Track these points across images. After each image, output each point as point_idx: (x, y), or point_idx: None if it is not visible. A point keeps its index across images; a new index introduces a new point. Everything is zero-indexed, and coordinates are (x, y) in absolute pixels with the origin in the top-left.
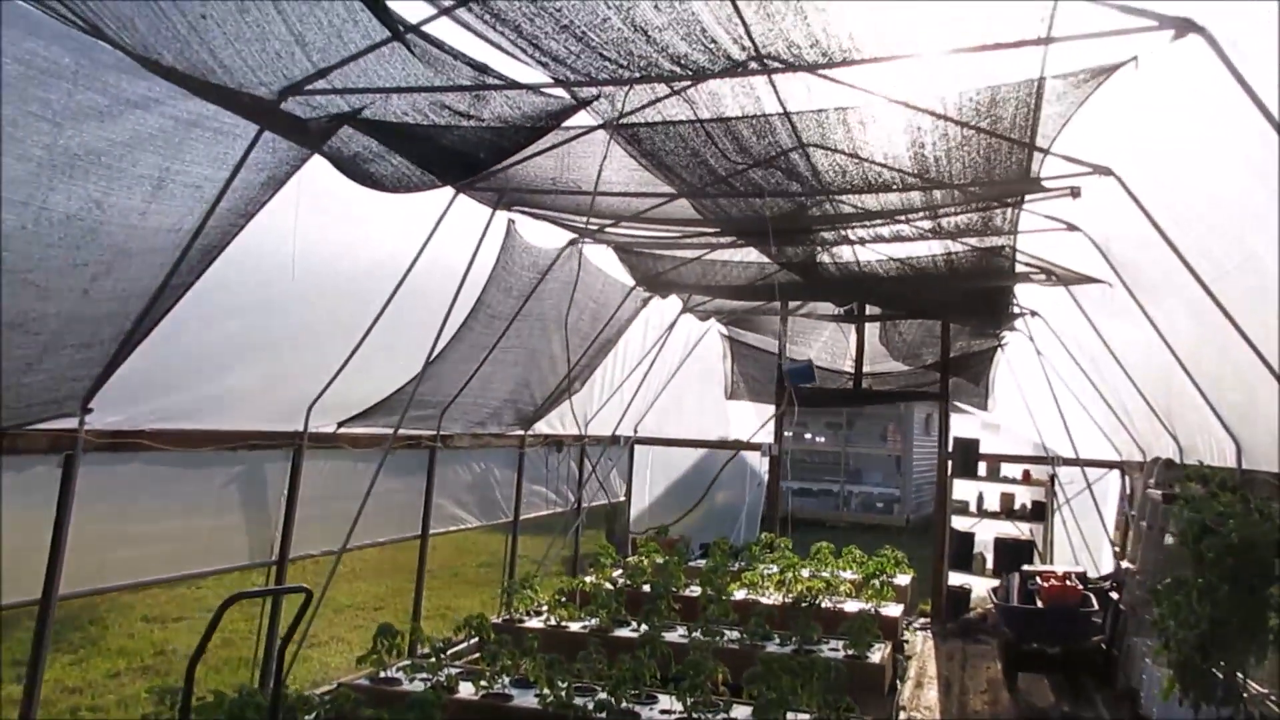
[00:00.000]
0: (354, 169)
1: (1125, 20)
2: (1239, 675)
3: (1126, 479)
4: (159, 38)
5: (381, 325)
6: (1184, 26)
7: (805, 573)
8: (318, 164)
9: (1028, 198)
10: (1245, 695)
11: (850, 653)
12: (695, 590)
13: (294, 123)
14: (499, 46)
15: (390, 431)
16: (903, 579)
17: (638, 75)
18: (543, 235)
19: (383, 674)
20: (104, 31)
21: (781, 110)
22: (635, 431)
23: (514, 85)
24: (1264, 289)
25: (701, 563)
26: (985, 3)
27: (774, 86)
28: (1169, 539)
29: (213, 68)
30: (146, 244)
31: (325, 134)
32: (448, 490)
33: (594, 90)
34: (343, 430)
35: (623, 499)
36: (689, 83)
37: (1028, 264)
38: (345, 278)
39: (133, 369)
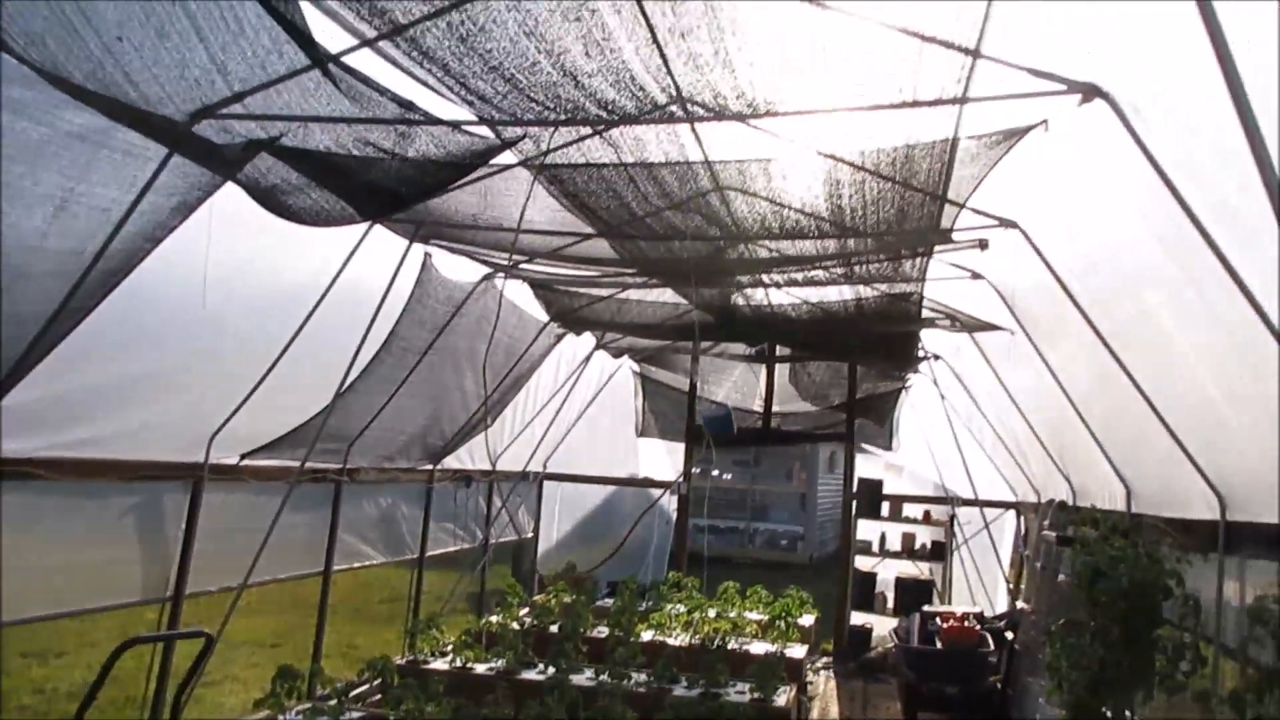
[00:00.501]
0: (271, 200)
1: (1036, 84)
2: (1128, 715)
3: (1022, 520)
4: (70, 57)
5: (291, 355)
6: (1090, 91)
7: (712, 613)
8: (233, 190)
9: (938, 248)
10: None
11: (756, 696)
12: (603, 631)
13: (207, 147)
14: (425, 83)
15: (296, 464)
16: (807, 619)
17: (564, 117)
18: (458, 268)
19: (281, 717)
20: (10, 46)
21: (704, 158)
22: (545, 467)
23: (439, 122)
24: (1156, 343)
25: (609, 602)
26: (906, 62)
27: (697, 134)
28: (1062, 579)
29: (126, 90)
30: (47, 266)
31: (239, 161)
32: (353, 525)
33: (519, 131)
34: (246, 463)
35: (530, 536)
36: (614, 126)
37: (934, 310)
38: (256, 305)
39: (30, 397)
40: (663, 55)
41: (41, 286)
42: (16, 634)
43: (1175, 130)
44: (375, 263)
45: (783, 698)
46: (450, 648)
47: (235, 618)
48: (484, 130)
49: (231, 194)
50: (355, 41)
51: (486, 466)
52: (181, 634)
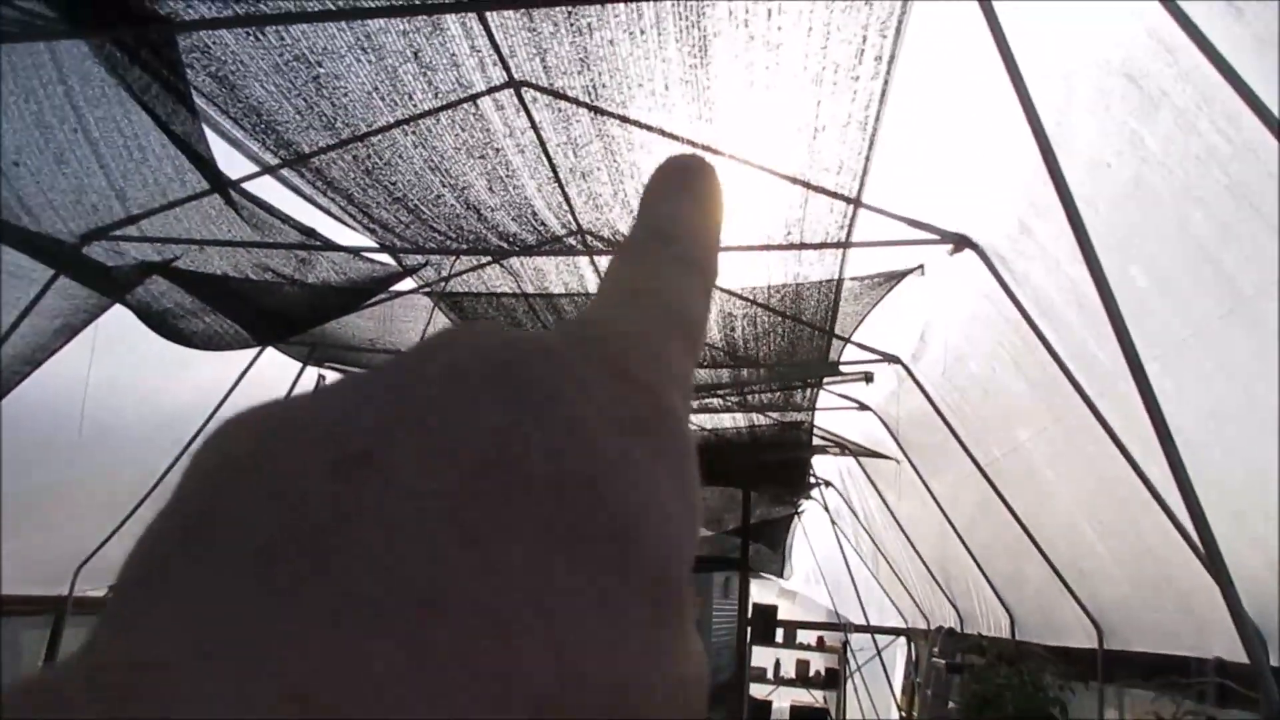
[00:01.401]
0: (162, 324)
1: (912, 233)
2: None
3: (912, 646)
4: None
5: (169, 483)
6: (960, 242)
7: None
8: (121, 310)
9: (826, 380)
10: None
11: None
12: None
13: (96, 269)
14: (328, 211)
15: None
16: None
17: (465, 247)
18: None
19: None
20: None
21: None
22: None
23: (340, 248)
24: (1030, 476)
25: None
26: (795, 208)
27: (596, 267)
28: (951, 706)
29: (18, 214)
30: None
31: (130, 284)
32: None
33: (420, 259)
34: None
35: None
36: (516, 256)
37: (824, 438)
38: (135, 428)
39: None
40: (564, 193)
41: None
42: None
43: (1037, 280)
44: (266, 385)
45: None
46: None
47: None
48: (385, 257)
49: (117, 314)
50: (257, 169)
51: None
52: None
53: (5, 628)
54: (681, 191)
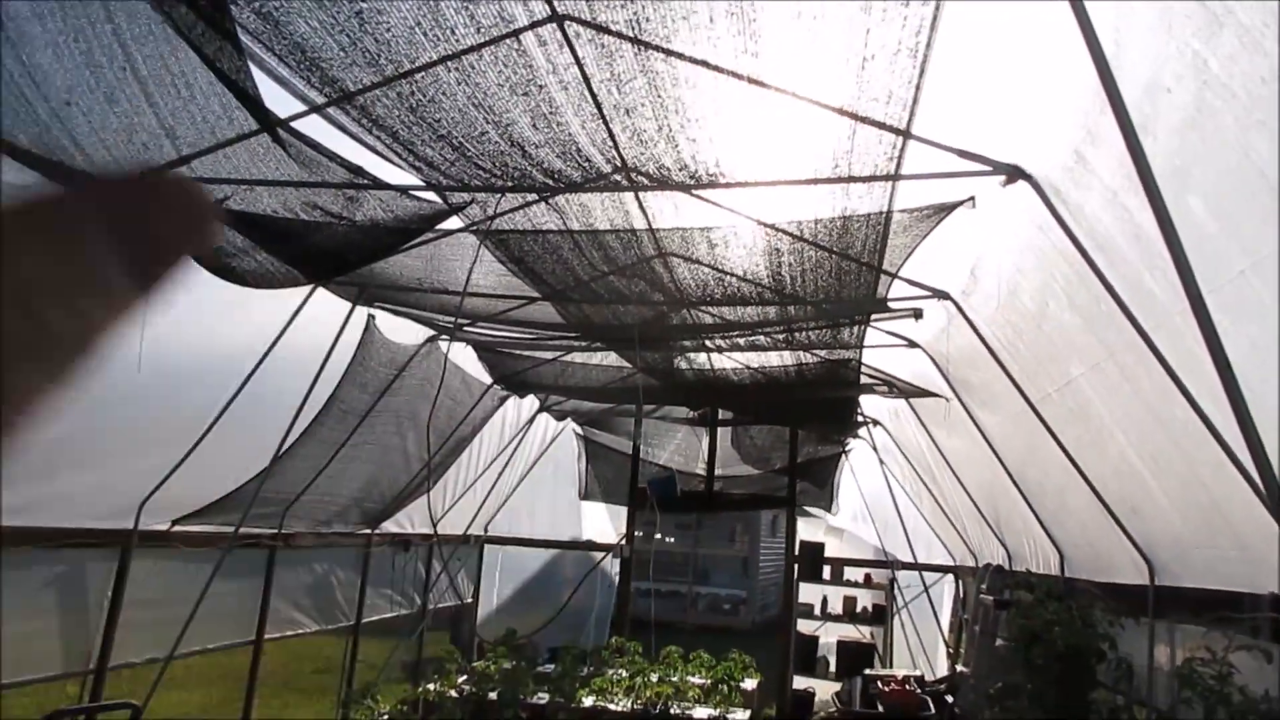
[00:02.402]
0: (214, 263)
1: (963, 164)
2: None
3: (960, 583)
4: (16, 121)
5: (228, 419)
6: (1013, 173)
7: (654, 678)
8: None
9: (874, 316)
10: None
11: None
12: (544, 697)
13: None
14: (374, 149)
15: (229, 530)
16: (749, 683)
17: (510, 184)
18: (402, 331)
19: None
20: None
21: (648, 225)
22: (486, 531)
23: (387, 187)
24: (1081, 412)
25: (550, 668)
26: (843, 140)
27: (641, 203)
28: (1000, 643)
29: (72, 154)
30: None
31: None
32: (286, 593)
33: (466, 196)
34: (178, 529)
35: (470, 601)
36: (561, 193)
37: (872, 376)
38: (191, 369)
39: None
40: (609, 129)
41: None
42: None
43: (1092, 211)
44: (317, 326)
45: None
46: (386, 718)
47: (161, 691)
48: (431, 195)
49: None
50: (305, 107)
51: (426, 530)
52: (107, 705)
53: (75, 561)
54: None
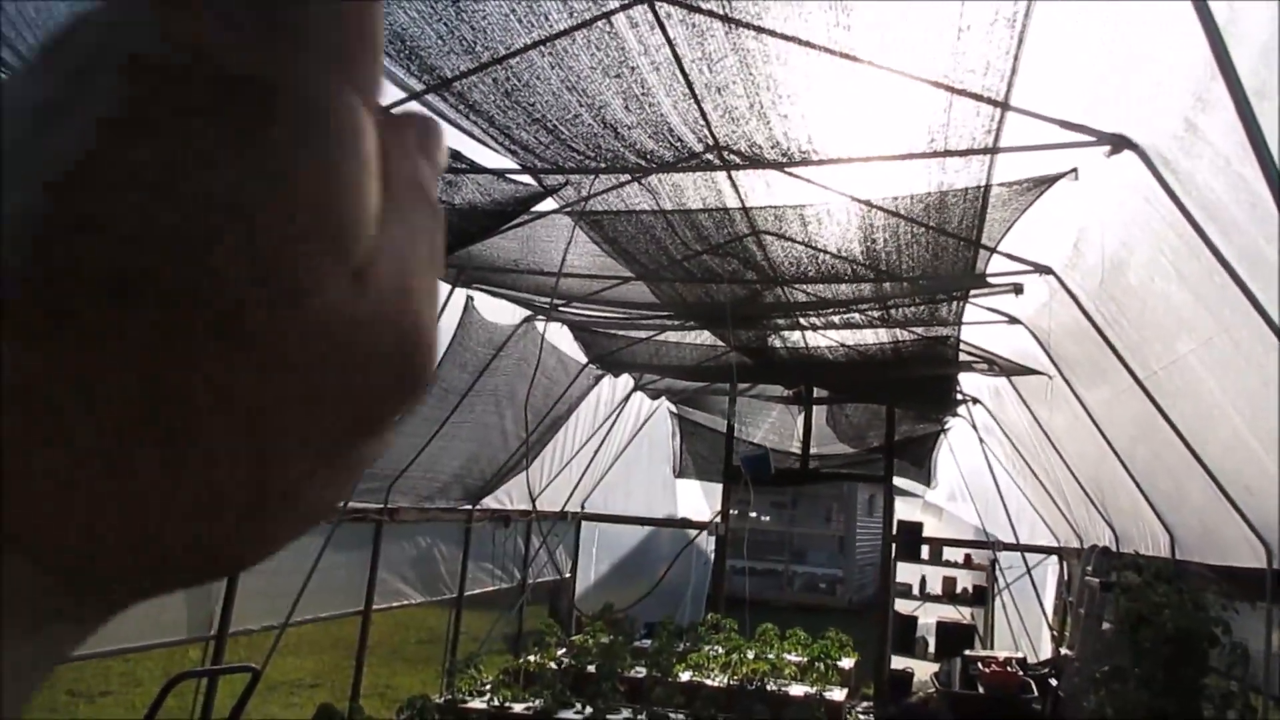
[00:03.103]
0: None
1: (1065, 135)
2: None
3: (1064, 565)
4: None
5: None
6: (1119, 143)
7: (750, 654)
8: None
9: (973, 292)
10: None
11: None
12: (641, 671)
13: None
14: (470, 134)
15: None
16: (846, 662)
17: (604, 166)
18: (499, 311)
19: None
20: None
21: (741, 204)
22: (583, 507)
23: (484, 170)
24: (1193, 389)
25: (647, 643)
26: (939, 113)
27: (734, 182)
28: (1106, 626)
29: None
30: None
31: None
32: (392, 565)
33: (561, 178)
34: None
35: (568, 576)
36: (653, 173)
37: (971, 354)
38: None
39: None
40: (700, 108)
41: None
42: (63, 673)
43: (1204, 180)
44: None
45: None
46: (488, 687)
47: (277, 657)
48: (527, 178)
49: None
50: (404, 95)
51: (525, 506)
52: (229, 669)
53: None
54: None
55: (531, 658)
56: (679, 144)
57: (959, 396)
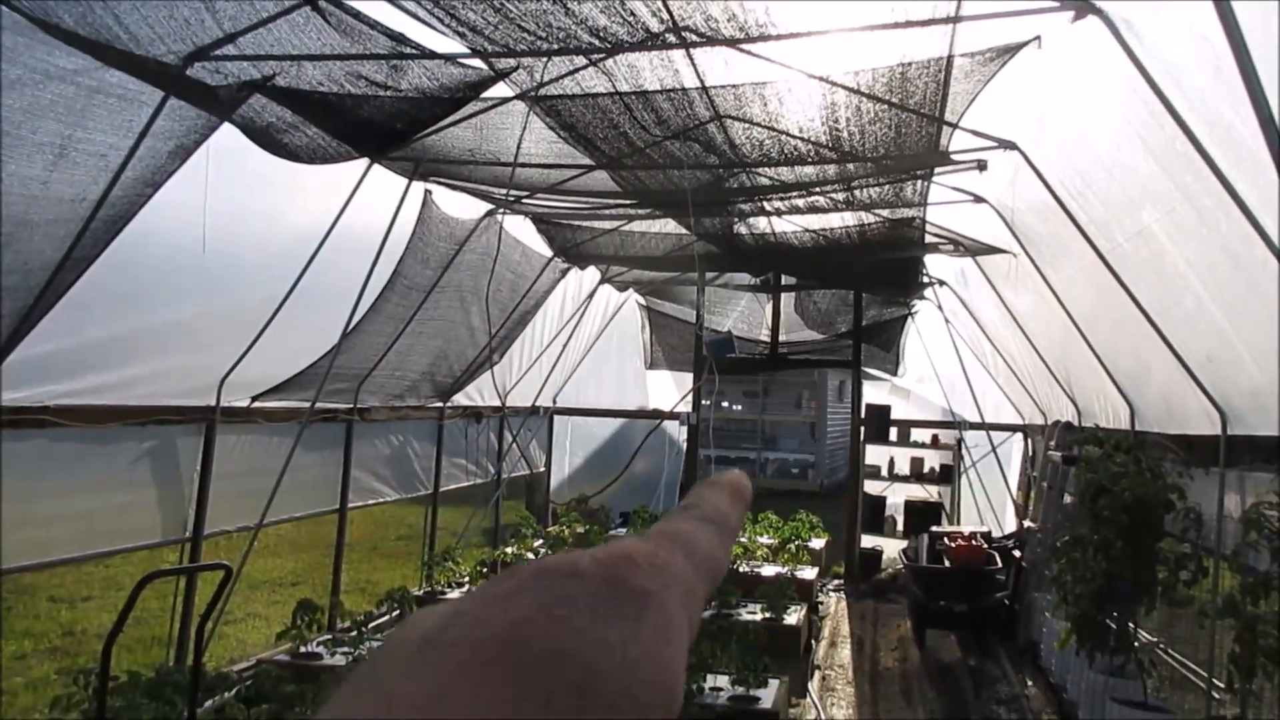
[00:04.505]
0: (267, 139)
1: (1028, 2)
2: (1131, 625)
3: (1028, 441)
4: (60, 1)
5: (297, 298)
6: (1083, 8)
7: None
8: (230, 134)
9: (937, 170)
10: (1136, 644)
11: (768, 615)
12: None
13: (201, 90)
14: (415, 15)
15: (306, 405)
16: (817, 543)
17: (556, 47)
18: (460, 206)
19: (303, 649)
20: None
21: (700, 84)
22: (554, 402)
23: (431, 55)
24: (1155, 261)
25: (622, 531)
26: None
27: (692, 60)
28: (1068, 498)
29: (117, 33)
30: (49, 214)
31: (234, 102)
32: (365, 464)
33: (512, 61)
34: (257, 405)
35: (542, 469)
36: (608, 55)
37: (937, 235)
38: (259, 252)
39: (39, 349)
40: None
41: (46, 235)
42: (43, 579)
43: (1168, 46)
44: (376, 204)
45: (793, 616)
46: (466, 579)
47: (255, 558)
48: (477, 62)
49: (224, 147)
50: None
51: (496, 403)
52: (202, 566)
53: (163, 436)
54: (718, 487)
55: (508, 550)
56: (633, 19)
57: (925, 279)
